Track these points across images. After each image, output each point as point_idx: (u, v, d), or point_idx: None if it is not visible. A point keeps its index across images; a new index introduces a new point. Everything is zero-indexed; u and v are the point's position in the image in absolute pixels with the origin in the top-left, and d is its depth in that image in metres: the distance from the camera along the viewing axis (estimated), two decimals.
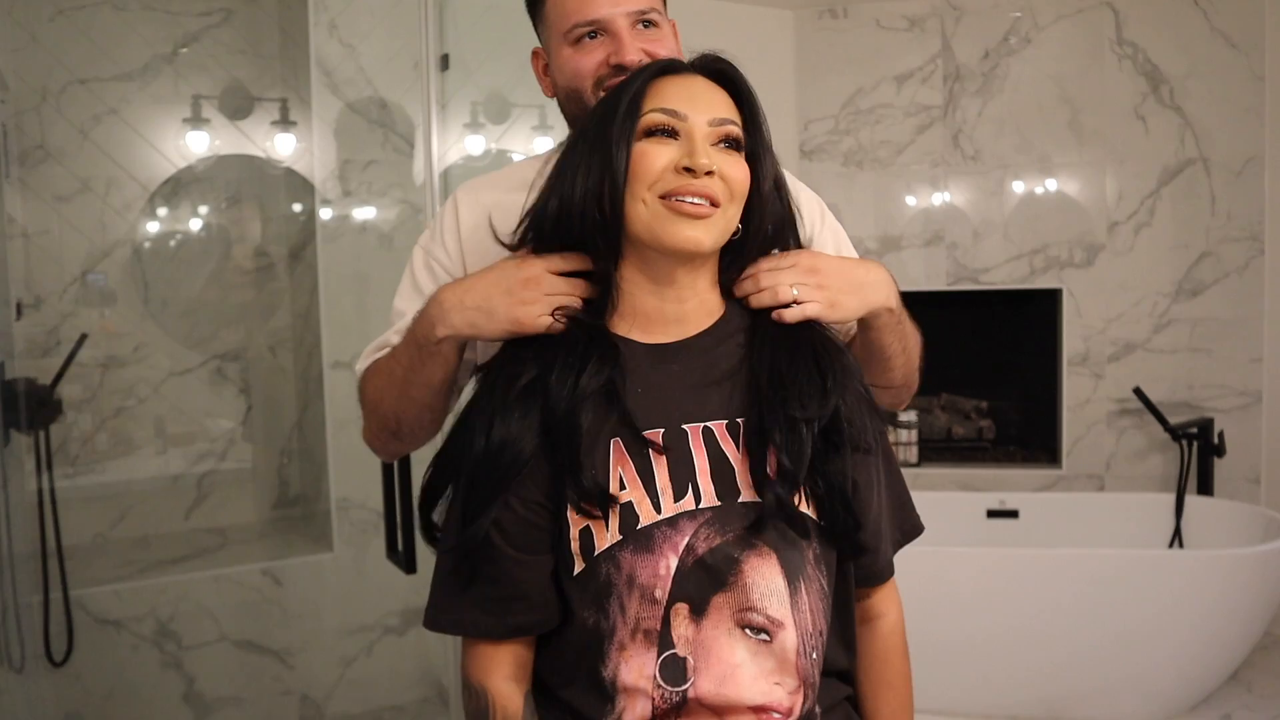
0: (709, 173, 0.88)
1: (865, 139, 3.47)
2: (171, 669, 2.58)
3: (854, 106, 3.47)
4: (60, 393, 2.48)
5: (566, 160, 0.95)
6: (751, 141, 0.94)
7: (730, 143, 0.92)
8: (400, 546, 2.08)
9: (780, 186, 0.98)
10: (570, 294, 0.94)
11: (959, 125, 3.40)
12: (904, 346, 1.13)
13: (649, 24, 1.13)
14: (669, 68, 0.94)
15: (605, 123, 0.92)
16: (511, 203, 1.20)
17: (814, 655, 0.89)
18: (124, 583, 2.56)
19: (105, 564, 2.70)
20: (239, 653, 2.66)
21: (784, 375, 0.91)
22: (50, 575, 2.44)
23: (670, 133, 0.90)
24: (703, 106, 0.91)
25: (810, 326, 0.96)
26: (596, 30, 1.12)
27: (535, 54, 1.24)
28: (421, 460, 1.97)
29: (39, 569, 2.43)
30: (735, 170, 0.91)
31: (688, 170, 0.88)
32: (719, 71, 0.94)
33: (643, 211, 0.90)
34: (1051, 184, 3.37)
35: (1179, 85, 3.24)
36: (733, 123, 0.92)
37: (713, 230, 0.90)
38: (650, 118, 0.90)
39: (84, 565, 2.61)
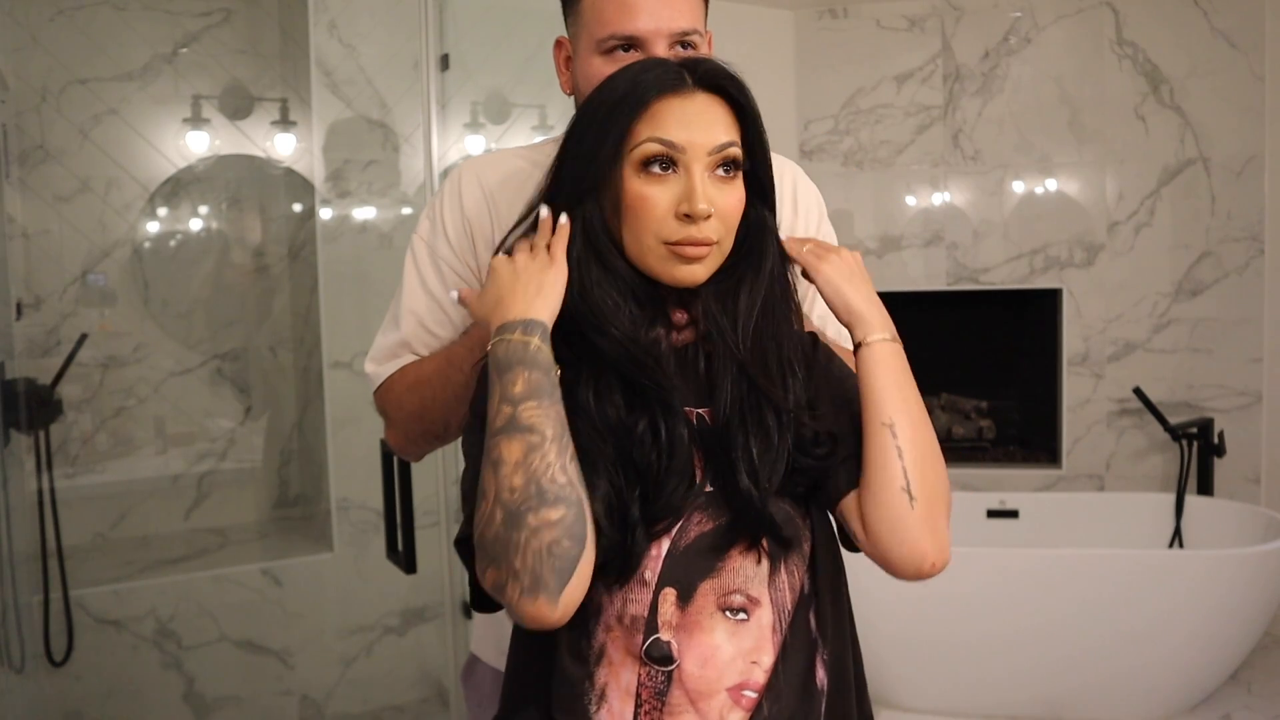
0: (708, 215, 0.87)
1: (865, 139, 3.47)
2: (171, 669, 2.58)
3: (854, 106, 3.47)
4: (60, 393, 2.48)
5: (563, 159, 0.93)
6: (751, 161, 0.91)
7: (728, 165, 0.89)
8: (400, 546, 2.08)
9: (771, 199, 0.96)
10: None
11: (959, 125, 3.40)
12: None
13: (687, 45, 1.07)
14: (668, 88, 0.88)
15: (593, 151, 0.89)
16: (516, 176, 1.15)
17: (784, 627, 0.89)
18: (124, 583, 2.56)
19: (105, 564, 2.70)
20: (239, 653, 2.66)
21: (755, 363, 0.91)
22: (50, 575, 2.45)
23: (668, 162, 0.88)
24: (702, 132, 0.87)
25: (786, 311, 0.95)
26: (632, 45, 1.06)
27: (559, 44, 1.17)
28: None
29: (39, 569, 2.43)
30: (729, 201, 0.89)
31: (687, 216, 0.87)
32: (720, 88, 0.90)
33: (642, 250, 0.89)
34: (1051, 184, 3.36)
35: (1179, 85, 3.24)
36: (732, 144, 0.89)
37: (710, 264, 0.90)
38: (646, 148, 0.87)
39: (84, 565, 2.62)
